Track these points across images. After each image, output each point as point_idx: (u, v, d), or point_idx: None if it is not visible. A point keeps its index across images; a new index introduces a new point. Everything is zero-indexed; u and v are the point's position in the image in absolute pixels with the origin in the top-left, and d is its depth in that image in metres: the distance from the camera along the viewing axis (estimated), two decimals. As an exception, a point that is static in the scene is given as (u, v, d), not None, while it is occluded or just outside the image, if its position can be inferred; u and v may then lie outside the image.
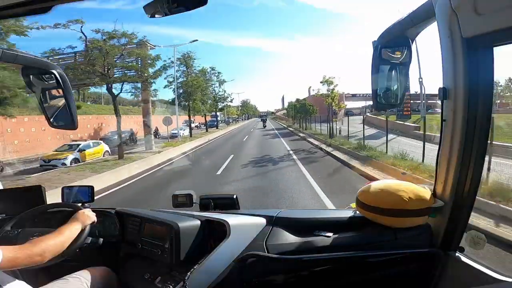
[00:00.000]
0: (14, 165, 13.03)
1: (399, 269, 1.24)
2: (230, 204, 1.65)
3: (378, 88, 1.27)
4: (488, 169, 5.29)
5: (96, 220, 1.40)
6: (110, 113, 20.96)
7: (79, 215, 1.32)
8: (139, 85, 14.31)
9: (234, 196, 1.67)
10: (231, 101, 33.79)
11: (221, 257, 1.18)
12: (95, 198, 1.72)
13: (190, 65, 23.12)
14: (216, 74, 28.56)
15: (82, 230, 1.31)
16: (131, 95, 14.76)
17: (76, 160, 12.56)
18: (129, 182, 8.60)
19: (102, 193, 7.16)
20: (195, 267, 1.13)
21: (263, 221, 1.33)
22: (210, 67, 27.94)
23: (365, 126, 12.95)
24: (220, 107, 31.68)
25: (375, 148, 10.64)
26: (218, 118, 36.07)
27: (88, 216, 1.35)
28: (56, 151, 13.20)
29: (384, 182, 1.29)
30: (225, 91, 30.63)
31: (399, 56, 1.22)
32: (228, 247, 1.21)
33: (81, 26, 12.05)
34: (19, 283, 1.06)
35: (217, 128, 32.25)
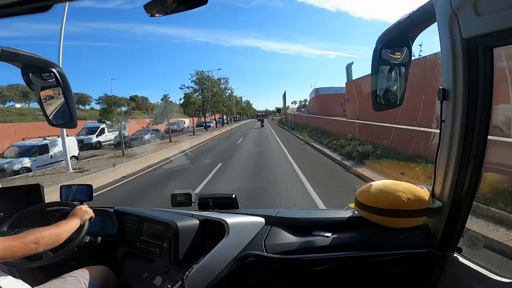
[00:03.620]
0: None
1: (397, 269, 1.24)
2: (229, 204, 1.65)
3: (378, 89, 1.27)
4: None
5: (94, 216, 1.39)
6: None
7: (77, 211, 1.32)
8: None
9: (233, 196, 1.67)
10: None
11: (219, 256, 1.18)
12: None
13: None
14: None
15: (81, 226, 1.31)
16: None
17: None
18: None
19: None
20: (193, 266, 1.13)
21: (262, 220, 1.33)
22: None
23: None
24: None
25: None
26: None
27: (86, 211, 1.35)
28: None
29: (383, 182, 1.29)
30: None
31: (399, 56, 1.22)
32: (226, 246, 1.21)
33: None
34: (16, 281, 1.06)
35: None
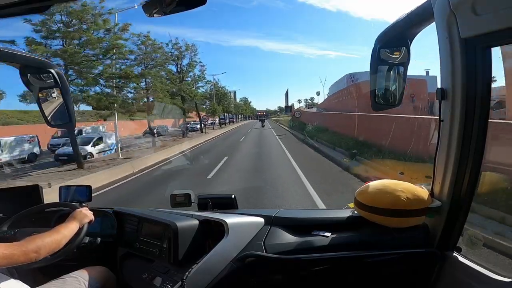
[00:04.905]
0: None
1: (397, 269, 1.24)
2: (228, 204, 1.64)
3: (377, 88, 1.27)
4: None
5: (93, 219, 1.39)
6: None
7: (76, 214, 1.32)
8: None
9: (233, 196, 1.67)
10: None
11: (219, 257, 1.18)
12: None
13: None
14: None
15: (80, 229, 1.30)
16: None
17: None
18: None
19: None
20: (193, 267, 1.13)
21: (261, 220, 1.33)
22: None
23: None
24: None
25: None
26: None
27: (85, 214, 1.35)
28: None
29: (382, 182, 1.29)
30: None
31: (398, 56, 1.23)
32: (226, 247, 1.21)
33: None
34: (16, 282, 1.06)
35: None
